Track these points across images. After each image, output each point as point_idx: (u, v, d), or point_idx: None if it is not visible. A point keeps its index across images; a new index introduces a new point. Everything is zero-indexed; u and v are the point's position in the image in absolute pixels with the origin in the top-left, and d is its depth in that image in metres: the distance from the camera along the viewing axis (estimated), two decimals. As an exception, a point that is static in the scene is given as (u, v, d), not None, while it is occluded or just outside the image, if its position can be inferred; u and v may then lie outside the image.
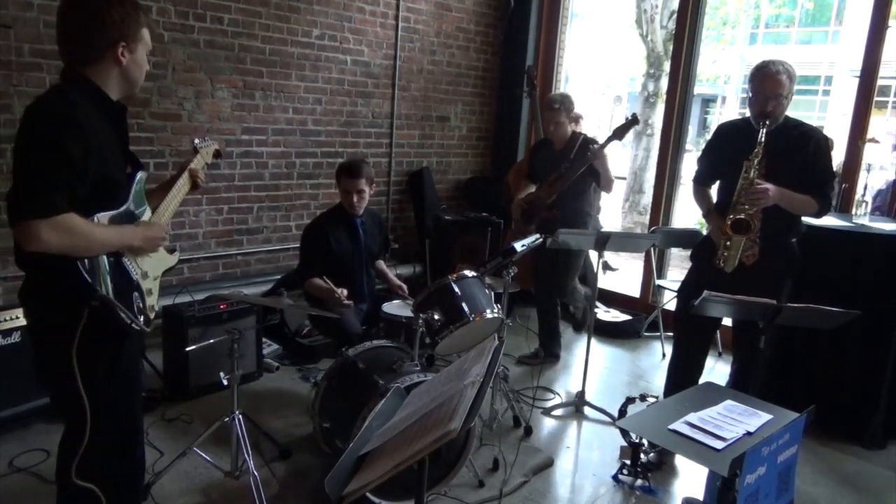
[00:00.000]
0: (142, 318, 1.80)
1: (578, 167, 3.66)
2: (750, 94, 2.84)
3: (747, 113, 2.92)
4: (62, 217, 1.57)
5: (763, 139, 2.74)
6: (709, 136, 3.19)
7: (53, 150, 1.58)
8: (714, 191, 3.14)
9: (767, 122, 2.75)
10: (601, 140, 3.68)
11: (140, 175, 1.88)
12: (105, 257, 1.71)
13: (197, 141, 2.24)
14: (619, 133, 3.57)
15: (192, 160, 2.15)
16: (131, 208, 1.82)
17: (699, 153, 3.22)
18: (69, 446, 1.77)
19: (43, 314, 1.74)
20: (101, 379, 1.75)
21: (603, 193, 3.98)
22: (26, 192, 1.57)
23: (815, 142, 2.81)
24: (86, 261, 1.64)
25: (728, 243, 2.82)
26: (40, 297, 1.72)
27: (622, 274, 6.79)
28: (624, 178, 9.47)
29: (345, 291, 3.17)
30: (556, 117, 3.79)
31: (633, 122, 3.60)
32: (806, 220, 3.03)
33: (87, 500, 1.78)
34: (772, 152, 2.78)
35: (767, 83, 2.75)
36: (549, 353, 4.18)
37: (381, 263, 3.69)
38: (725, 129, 3.09)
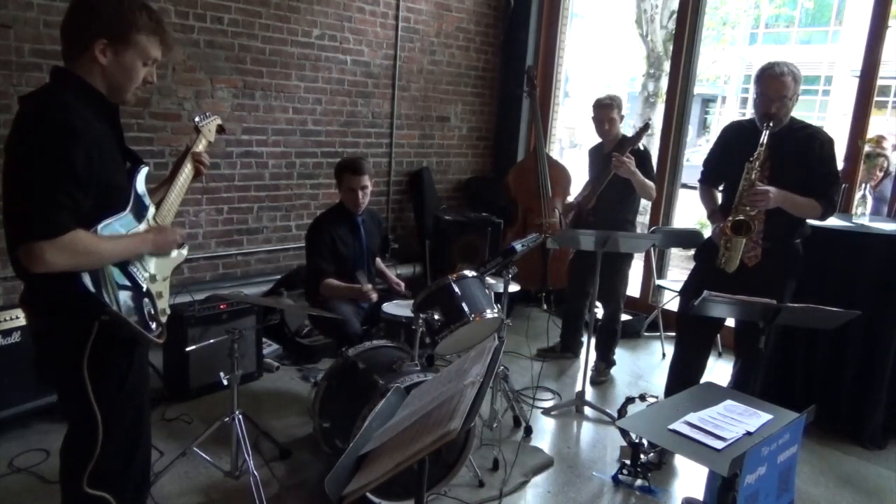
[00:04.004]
0: (154, 325, 1.72)
1: (606, 174, 3.61)
2: (755, 96, 2.84)
3: (748, 114, 2.91)
4: (68, 236, 1.48)
5: (765, 140, 2.73)
6: (709, 136, 3.19)
7: (56, 165, 1.48)
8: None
9: (771, 124, 2.75)
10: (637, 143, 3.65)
11: (141, 172, 1.77)
12: (111, 266, 1.63)
13: (198, 119, 2.03)
14: (632, 141, 3.60)
15: (193, 141, 1.98)
16: (134, 212, 1.72)
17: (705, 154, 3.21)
18: (79, 455, 1.70)
19: (51, 328, 1.66)
20: (111, 389, 1.70)
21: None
22: (29, 212, 1.47)
23: (820, 144, 2.81)
24: (88, 274, 1.55)
25: (728, 244, 2.83)
26: (46, 310, 1.64)
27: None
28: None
29: (371, 286, 3.16)
30: (609, 113, 3.74)
31: (644, 129, 3.61)
32: (808, 220, 3.02)
33: None
34: (777, 154, 2.78)
35: (772, 85, 2.75)
36: (568, 349, 4.20)
37: (380, 262, 3.68)
38: (731, 131, 3.09)
